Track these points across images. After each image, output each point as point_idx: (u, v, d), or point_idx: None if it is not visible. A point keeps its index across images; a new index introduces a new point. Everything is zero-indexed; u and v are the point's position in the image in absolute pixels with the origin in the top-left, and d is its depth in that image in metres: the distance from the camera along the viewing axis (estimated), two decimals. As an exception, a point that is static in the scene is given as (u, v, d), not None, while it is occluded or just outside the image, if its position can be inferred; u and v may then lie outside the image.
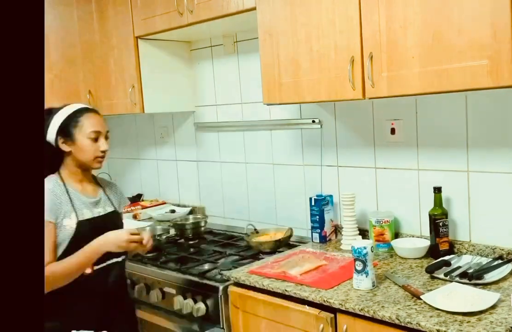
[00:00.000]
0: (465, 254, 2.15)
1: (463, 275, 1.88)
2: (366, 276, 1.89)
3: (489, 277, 1.88)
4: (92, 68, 3.38)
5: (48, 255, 1.86)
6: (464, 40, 1.72)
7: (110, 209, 2.07)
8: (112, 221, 2.04)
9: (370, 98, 2.02)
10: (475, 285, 1.82)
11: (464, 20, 1.71)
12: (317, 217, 2.52)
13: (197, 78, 3.28)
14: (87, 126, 1.96)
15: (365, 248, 1.88)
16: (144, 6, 2.92)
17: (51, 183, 1.95)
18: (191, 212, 3.32)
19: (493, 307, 1.63)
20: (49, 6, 3.31)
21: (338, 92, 2.08)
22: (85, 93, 3.41)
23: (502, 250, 2.06)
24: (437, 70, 1.79)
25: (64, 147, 1.96)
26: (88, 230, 1.94)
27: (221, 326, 2.18)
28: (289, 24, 2.21)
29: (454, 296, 1.70)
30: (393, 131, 2.36)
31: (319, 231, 2.53)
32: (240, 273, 2.16)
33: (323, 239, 2.53)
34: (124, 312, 2.11)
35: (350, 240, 2.41)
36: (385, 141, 2.40)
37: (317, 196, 2.57)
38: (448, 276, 1.90)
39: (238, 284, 2.15)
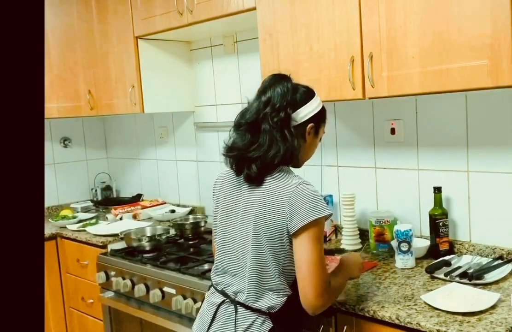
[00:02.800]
0: (465, 254, 2.15)
1: (463, 275, 1.88)
2: (411, 256, 2.07)
3: (489, 277, 1.88)
4: (92, 68, 3.38)
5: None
6: (464, 40, 1.72)
7: None
8: None
9: (370, 98, 2.02)
10: (475, 285, 1.82)
11: (464, 20, 1.71)
12: (317, 217, 2.52)
13: (197, 78, 3.28)
14: None
15: (410, 230, 2.07)
16: (144, 6, 2.93)
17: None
18: (191, 212, 3.32)
19: (493, 307, 1.63)
20: (49, 6, 3.32)
21: (338, 92, 2.08)
22: (85, 93, 3.41)
23: (502, 250, 2.06)
24: (437, 70, 1.79)
25: None
26: None
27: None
28: (289, 24, 2.21)
29: (454, 296, 1.70)
30: (393, 131, 2.36)
31: (319, 231, 2.52)
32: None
33: (323, 239, 2.52)
34: None
35: (350, 240, 2.41)
36: (385, 141, 2.40)
37: (317, 196, 2.57)
38: (448, 276, 1.90)
39: (238, 284, 2.14)
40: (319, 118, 1.73)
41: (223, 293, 1.71)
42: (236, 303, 1.66)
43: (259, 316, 1.62)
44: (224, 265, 1.73)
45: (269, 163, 1.60)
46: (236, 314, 1.64)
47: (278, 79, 1.67)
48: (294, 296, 1.61)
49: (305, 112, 1.67)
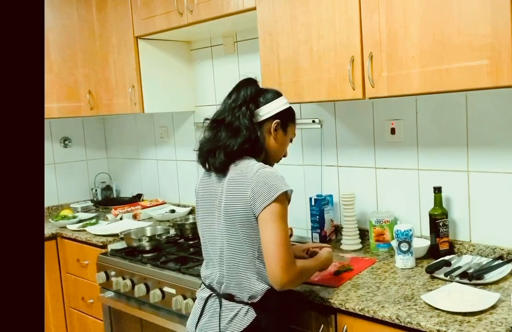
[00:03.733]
0: (465, 254, 2.15)
1: (463, 275, 1.88)
2: (411, 256, 2.06)
3: (489, 277, 1.88)
4: (92, 68, 3.38)
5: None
6: (464, 40, 1.72)
7: None
8: None
9: (370, 98, 2.02)
10: (475, 285, 1.82)
11: (464, 20, 1.71)
12: (317, 217, 2.52)
13: (197, 78, 3.28)
14: None
15: (410, 230, 2.06)
16: (144, 6, 2.93)
17: None
18: (191, 212, 3.32)
19: (493, 307, 1.64)
20: (49, 6, 3.32)
21: (338, 92, 2.08)
22: (85, 93, 3.41)
23: (502, 250, 2.06)
24: (437, 70, 1.79)
25: None
26: None
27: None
28: (289, 24, 2.21)
29: (454, 296, 1.70)
30: (393, 131, 2.36)
31: (319, 231, 2.53)
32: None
33: (323, 239, 2.52)
34: None
35: (350, 240, 2.41)
36: (385, 141, 2.40)
37: (317, 196, 2.57)
38: (448, 276, 1.90)
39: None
40: (286, 117, 1.86)
41: (210, 287, 1.81)
42: (221, 296, 1.75)
43: (242, 307, 1.71)
44: (208, 258, 1.84)
45: (231, 151, 1.73)
46: (220, 308, 1.74)
47: (244, 82, 1.83)
48: None
49: (268, 110, 1.81)
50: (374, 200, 2.48)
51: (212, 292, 1.79)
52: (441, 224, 2.15)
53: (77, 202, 3.85)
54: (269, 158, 1.84)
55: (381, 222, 2.32)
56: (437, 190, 2.17)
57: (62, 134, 3.89)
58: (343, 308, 1.79)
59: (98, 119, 4.02)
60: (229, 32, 2.97)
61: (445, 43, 1.76)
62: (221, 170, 1.75)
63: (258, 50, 2.36)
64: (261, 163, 1.74)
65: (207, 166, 1.81)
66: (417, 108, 2.28)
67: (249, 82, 1.83)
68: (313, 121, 2.64)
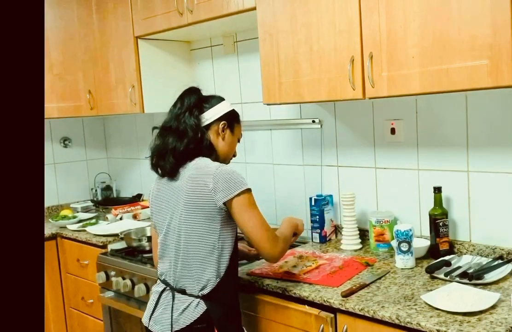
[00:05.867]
0: (465, 254, 2.15)
1: (463, 275, 1.88)
2: (411, 256, 2.07)
3: (489, 277, 1.88)
4: (92, 68, 3.38)
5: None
6: (464, 40, 1.72)
7: None
8: None
9: (370, 98, 2.02)
10: (475, 285, 1.82)
11: (464, 20, 1.71)
12: (317, 217, 2.53)
13: (197, 78, 3.28)
14: None
15: (410, 230, 2.06)
16: (144, 6, 2.93)
17: None
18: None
19: (493, 307, 1.63)
20: (49, 6, 3.32)
21: (338, 92, 2.08)
22: (85, 93, 3.41)
23: (502, 250, 2.06)
24: (437, 70, 1.79)
25: None
26: None
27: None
28: (289, 24, 2.21)
29: (454, 296, 1.70)
30: (393, 131, 2.36)
31: (319, 231, 2.53)
32: (240, 273, 2.15)
33: (323, 239, 2.53)
34: None
35: (350, 240, 2.41)
36: (385, 141, 2.40)
37: (317, 196, 2.57)
38: (448, 276, 1.90)
39: (238, 284, 2.15)
40: (231, 118, 2.02)
41: (164, 281, 1.93)
42: (174, 290, 1.87)
43: (193, 299, 1.83)
44: (163, 256, 1.94)
45: (181, 153, 1.87)
46: (173, 300, 1.86)
47: (187, 92, 1.98)
48: (226, 277, 1.85)
49: (213, 113, 1.97)
50: (374, 200, 2.48)
51: (166, 286, 1.91)
52: (441, 224, 2.15)
53: (77, 202, 3.85)
54: (219, 159, 1.97)
55: (381, 222, 2.32)
56: (437, 190, 2.17)
57: (62, 134, 3.89)
58: (343, 308, 1.79)
59: (98, 119, 4.02)
60: (229, 32, 2.97)
61: (445, 43, 1.76)
62: (171, 173, 1.89)
63: (258, 50, 2.36)
64: (218, 163, 1.89)
65: (159, 170, 1.94)
66: (417, 108, 2.28)
67: (192, 91, 1.98)
68: (313, 121, 2.64)
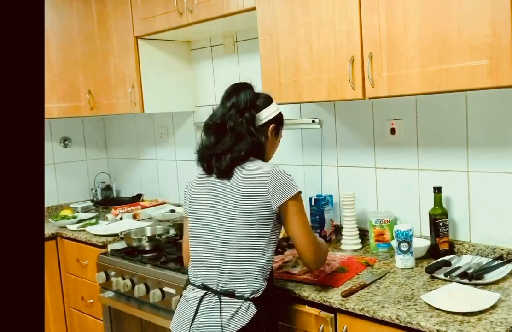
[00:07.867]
0: (465, 254, 2.15)
1: (463, 275, 1.88)
2: (411, 256, 2.07)
3: (489, 277, 1.88)
4: (92, 68, 3.38)
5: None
6: (464, 40, 1.72)
7: None
8: None
9: (370, 98, 2.02)
10: (475, 285, 1.82)
11: (464, 20, 1.71)
12: (317, 217, 2.52)
13: (197, 78, 3.28)
14: None
15: (410, 230, 2.06)
16: (144, 6, 2.93)
17: None
18: (191, 212, 3.31)
19: (493, 307, 1.63)
20: (49, 6, 3.32)
21: (338, 92, 2.08)
22: (85, 93, 3.41)
23: (502, 250, 2.06)
24: (437, 70, 1.79)
25: None
26: None
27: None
28: (289, 24, 2.21)
29: (454, 296, 1.70)
30: (393, 131, 2.36)
31: (319, 231, 2.53)
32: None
33: (323, 239, 2.52)
34: None
35: (350, 240, 2.41)
36: (385, 141, 2.40)
37: (317, 196, 2.57)
38: (448, 276, 1.90)
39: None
40: (279, 120, 1.95)
41: (203, 286, 1.80)
42: (219, 294, 1.75)
43: (243, 302, 1.73)
44: (199, 256, 1.83)
45: (237, 156, 1.78)
46: (220, 304, 1.74)
47: (240, 86, 1.88)
48: (270, 281, 1.80)
49: (266, 114, 1.89)
50: (374, 200, 2.48)
51: (206, 291, 1.78)
52: (441, 224, 2.15)
53: (77, 202, 3.85)
54: (265, 158, 1.91)
55: (381, 222, 2.32)
56: (437, 190, 2.17)
57: (62, 134, 3.89)
58: (343, 308, 1.79)
59: (98, 119, 4.02)
60: (229, 32, 2.97)
61: (445, 43, 1.76)
62: (227, 173, 1.80)
63: (258, 50, 2.36)
64: (270, 163, 1.84)
65: (214, 169, 1.83)
66: (417, 108, 2.28)
67: (246, 86, 1.88)
68: (313, 121, 2.64)
